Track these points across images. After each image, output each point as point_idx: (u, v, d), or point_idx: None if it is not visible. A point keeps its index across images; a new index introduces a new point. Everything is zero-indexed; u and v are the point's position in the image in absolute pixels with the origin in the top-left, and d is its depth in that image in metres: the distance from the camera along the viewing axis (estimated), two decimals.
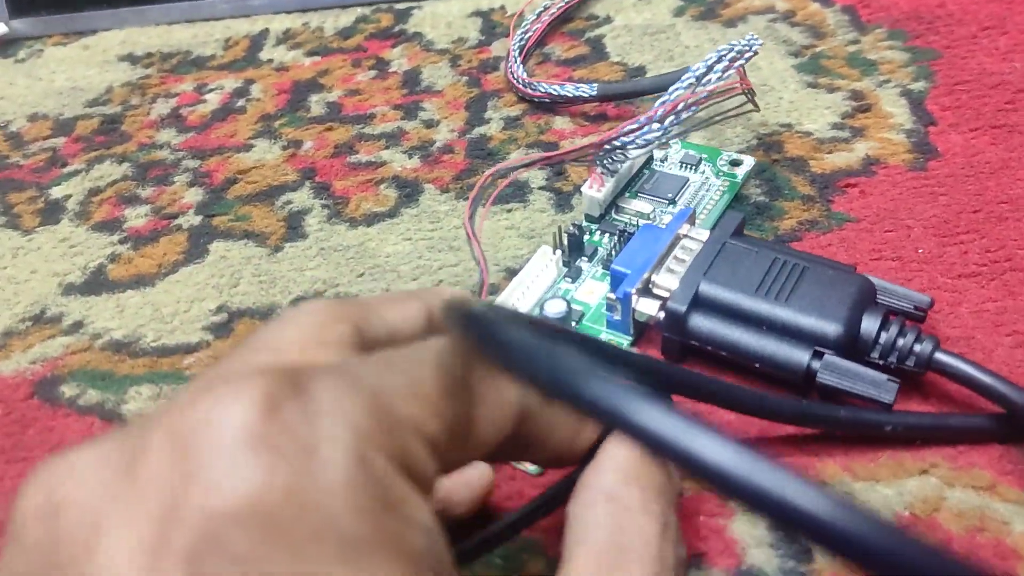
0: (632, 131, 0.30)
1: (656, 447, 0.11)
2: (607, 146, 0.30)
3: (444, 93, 0.42)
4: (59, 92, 0.46)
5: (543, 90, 0.40)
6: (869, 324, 0.26)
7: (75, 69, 0.47)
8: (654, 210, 0.33)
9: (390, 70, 0.45)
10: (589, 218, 0.33)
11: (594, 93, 0.39)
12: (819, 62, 0.41)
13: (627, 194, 0.34)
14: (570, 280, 0.31)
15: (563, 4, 0.46)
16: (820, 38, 0.43)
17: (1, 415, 0.30)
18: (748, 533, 0.24)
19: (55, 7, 0.49)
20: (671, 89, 0.30)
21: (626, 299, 0.28)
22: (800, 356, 0.25)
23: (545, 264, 0.30)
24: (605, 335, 0.29)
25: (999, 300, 0.29)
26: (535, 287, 0.30)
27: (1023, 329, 0.28)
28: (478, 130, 0.40)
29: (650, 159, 0.35)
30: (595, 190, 0.32)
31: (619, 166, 0.32)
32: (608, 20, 0.46)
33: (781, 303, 0.26)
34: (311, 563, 0.13)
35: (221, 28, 0.50)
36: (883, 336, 0.25)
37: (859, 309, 0.26)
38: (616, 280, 0.29)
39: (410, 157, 0.39)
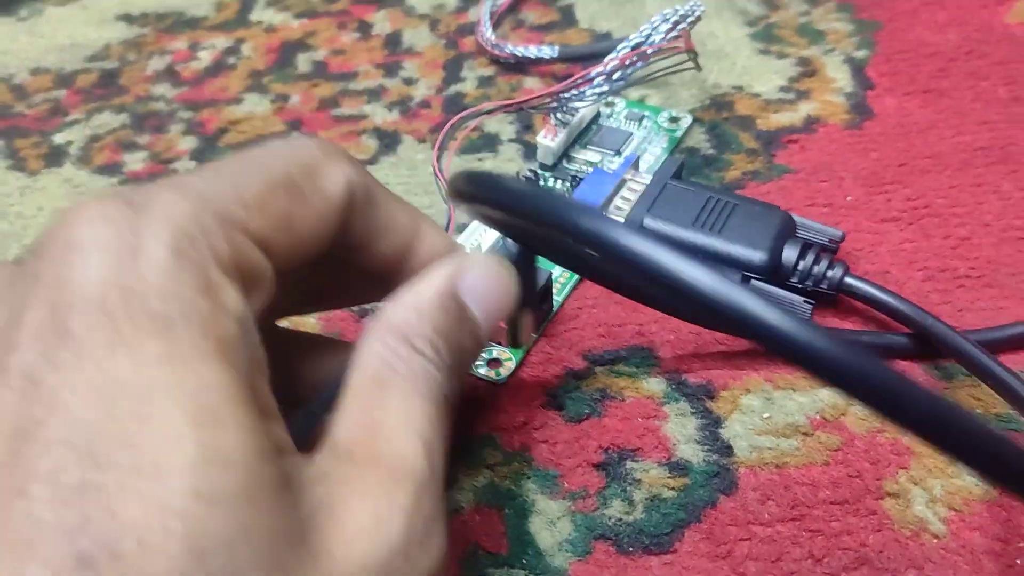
0: (583, 83, 0.33)
1: (635, 263, 0.15)
2: (560, 96, 0.33)
3: (423, 54, 0.45)
4: (60, 48, 0.48)
5: (509, 51, 0.43)
6: (789, 253, 0.29)
7: (74, 27, 0.50)
8: (602, 160, 0.36)
9: (373, 32, 0.48)
10: (543, 166, 0.36)
11: (555, 55, 0.42)
12: (772, 31, 0.45)
13: (577, 145, 0.37)
14: None
15: None
16: (774, 9, 0.46)
17: None
18: (679, 432, 0.27)
19: None
20: (619, 47, 0.33)
21: None
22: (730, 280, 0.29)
23: None
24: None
25: (915, 241, 0.33)
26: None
27: (933, 265, 0.32)
28: (454, 87, 0.43)
29: (597, 115, 0.39)
30: (549, 139, 0.36)
31: (571, 118, 0.35)
32: None
33: (715, 235, 0.30)
34: (127, 337, 0.15)
35: None
36: (801, 263, 0.29)
37: (781, 240, 0.29)
38: None
39: (390, 111, 0.42)
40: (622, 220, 0.30)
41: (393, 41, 0.47)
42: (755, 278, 0.29)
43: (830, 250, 0.30)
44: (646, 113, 0.39)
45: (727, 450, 0.27)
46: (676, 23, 0.32)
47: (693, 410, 0.28)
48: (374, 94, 0.43)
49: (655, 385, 0.29)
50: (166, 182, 0.18)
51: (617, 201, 0.32)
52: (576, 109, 0.35)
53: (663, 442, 0.27)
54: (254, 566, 0.15)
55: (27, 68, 0.47)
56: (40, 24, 0.51)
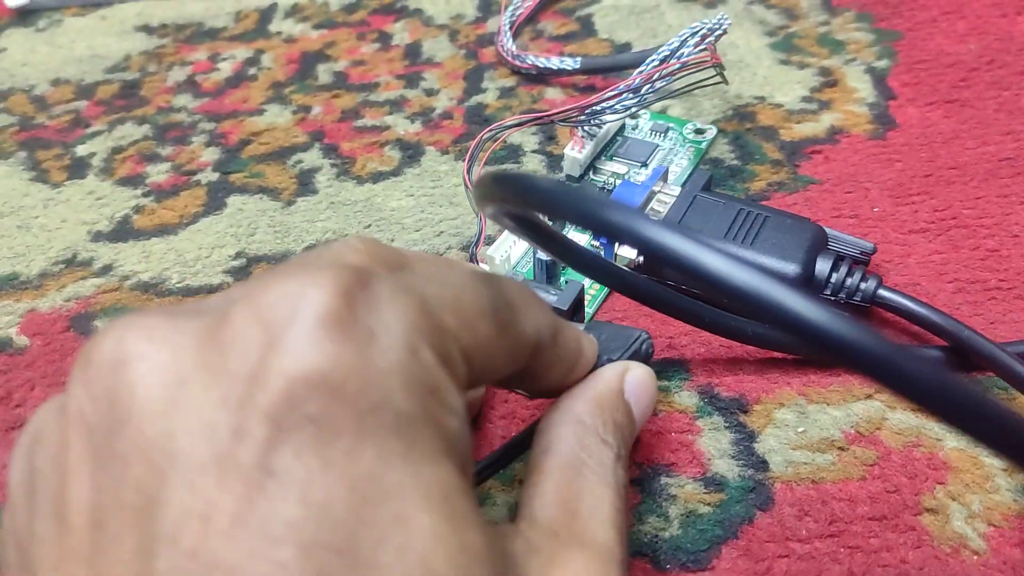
0: (611, 97, 0.33)
1: (662, 255, 0.15)
2: (588, 110, 0.33)
3: (443, 65, 0.45)
4: (79, 59, 0.48)
5: (531, 62, 0.43)
6: (822, 265, 0.29)
7: (94, 38, 0.50)
8: (628, 171, 0.36)
9: (392, 43, 0.48)
10: (570, 178, 0.36)
11: (577, 66, 0.42)
12: (792, 41, 0.45)
13: (604, 157, 0.37)
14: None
15: None
16: (793, 19, 0.46)
17: (41, 345, 0.33)
18: (713, 447, 0.27)
19: None
20: (647, 61, 0.33)
21: (609, 244, 0.31)
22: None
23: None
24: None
25: (944, 252, 0.33)
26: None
27: (963, 277, 0.32)
28: (475, 98, 0.43)
29: (623, 127, 0.39)
30: (576, 151, 0.36)
31: (597, 130, 0.35)
32: (597, 0, 0.49)
33: (747, 247, 0.30)
34: (369, 431, 0.15)
35: (232, 2, 0.52)
36: (834, 276, 0.29)
37: (814, 252, 0.29)
38: None
39: (412, 122, 0.42)
40: None
41: (413, 52, 0.47)
42: None
43: (861, 262, 0.30)
44: (671, 125, 0.39)
45: (762, 465, 0.27)
46: (704, 36, 0.32)
47: (727, 424, 0.28)
48: (396, 105, 0.43)
49: (687, 399, 0.29)
50: (385, 275, 0.17)
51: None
52: (604, 122, 0.34)
53: (697, 457, 0.27)
54: None
55: (47, 79, 0.47)
56: (59, 35, 0.51)
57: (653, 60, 0.33)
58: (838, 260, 0.29)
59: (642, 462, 0.27)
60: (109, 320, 0.33)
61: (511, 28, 0.46)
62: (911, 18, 0.45)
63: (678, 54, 0.33)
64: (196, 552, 0.14)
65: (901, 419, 0.28)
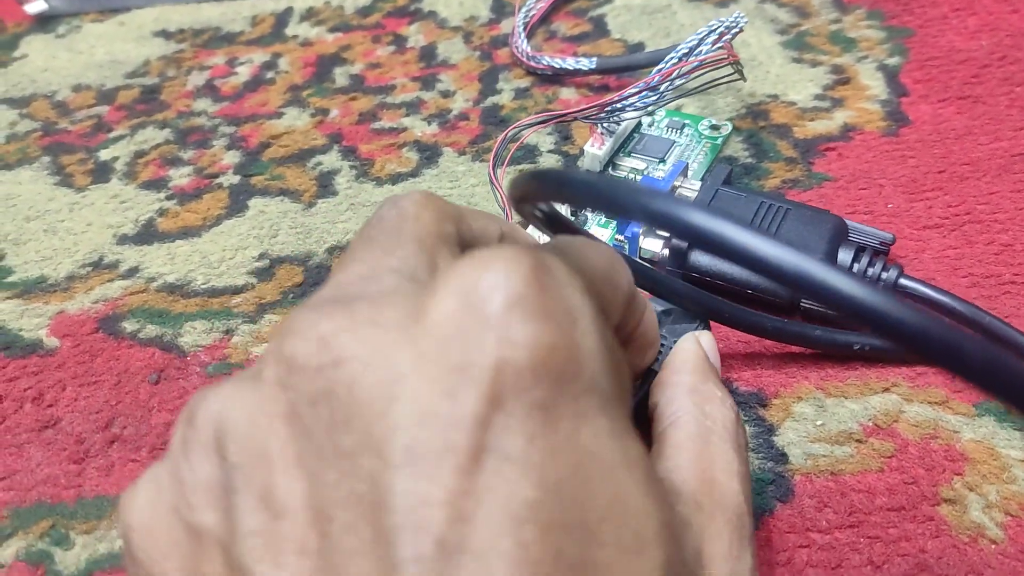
0: (632, 95, 0.34)
1: (704, 240, 0.15)
2: (609, 107, 0.34)
3: (459, 66, 0.46)
4: (99, 65, 0.49)
5: (546, 63, 0.43)
6: (844, 255, 0.30)
7: (113, 44, 0.51)
8: (647, 167, 0.37)
9: (407, 46, 0.48)
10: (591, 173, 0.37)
11: (593, 66, 0.42)
12: (804, 39, 0.45)
13: (622, 153, 0.38)
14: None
15: None
16: (805, 17, 0.47)
17: (71, 346, 0.33)
18: None
19: None
20: (666, 59, 0.34)
21: (634, 238, 0.31)
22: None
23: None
24: None
25: (958, 248, 0.33)
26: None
27: (978, 272, 0.32)
28: (491, 99, 0.43)
29: (639, 124, 0.39)
30: (596, 148, 0.36)
31: (616, 127, 0.36)
32: (609, 0, 0.50)
33: None
34: (583, 411, 0.15)
35: (248, 6, 0.53)
36: (856, 266, 0.29)
37: (835, 243, 0.30)
38: (624, 222, 0.32)
39: (429, 124, 0.42)
40: None
41: (428, 54, 0.47)
42: None
43: (881, 253, 0.31)
44: (686, 122, 0.39)
45: (782, 457, 0.27)
46: (721, 34, 0.33)
47: (746, 418, 0.28)
48: (412, 107, 0.43)
49: None
50: (554, 254, 0.17)
51: None
52: (623, 119, 0.35)
53: None
54: None
55: (68, 85, 0.48)
56: (78, 41, 0.51)
57: (671, 58, 0.33)
58: (859, 251, 0.30)
59: None
60: (136, 320, 0.34)
61: (525, 29, 0.46)
62: (922, 15, 0.46)
63: (696, 52, 0.33)
64: (442, 539, 0.14)
65: (918, 411, 0.28)
